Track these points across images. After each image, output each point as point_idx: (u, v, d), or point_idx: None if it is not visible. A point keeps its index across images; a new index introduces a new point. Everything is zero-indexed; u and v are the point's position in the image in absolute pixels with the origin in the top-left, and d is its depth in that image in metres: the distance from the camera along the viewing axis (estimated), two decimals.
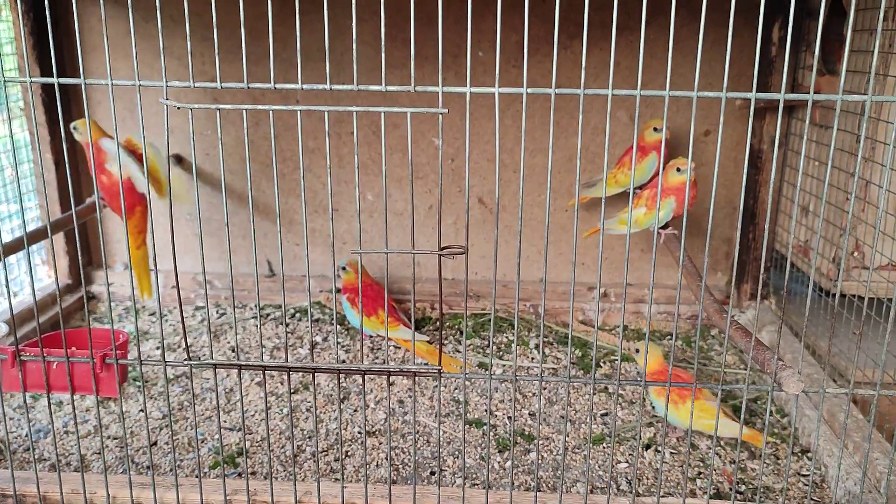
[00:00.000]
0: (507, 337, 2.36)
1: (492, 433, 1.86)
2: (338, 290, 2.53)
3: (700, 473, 1.71)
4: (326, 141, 1.07)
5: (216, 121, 2.24)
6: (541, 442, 1.83)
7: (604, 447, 1.82)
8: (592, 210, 2.48)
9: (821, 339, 2.13)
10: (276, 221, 2.56)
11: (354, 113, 1.12)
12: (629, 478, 1.70)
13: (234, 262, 2.59)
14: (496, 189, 1.10)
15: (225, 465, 1.70)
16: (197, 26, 2.37)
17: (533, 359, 2.24)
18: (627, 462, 1.76)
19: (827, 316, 2.13)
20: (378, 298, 2.27)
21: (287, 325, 2.43)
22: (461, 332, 2.41)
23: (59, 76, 2.40)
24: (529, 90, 1.07)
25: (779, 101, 1.13)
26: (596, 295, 2.52)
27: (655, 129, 2.20)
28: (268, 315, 2.51)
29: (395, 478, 1.68)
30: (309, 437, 1.83)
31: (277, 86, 1.14)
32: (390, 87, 1.09)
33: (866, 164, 1.90)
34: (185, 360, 1.19)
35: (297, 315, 2.51)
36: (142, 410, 1.94)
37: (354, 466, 1.72)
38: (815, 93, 2.12)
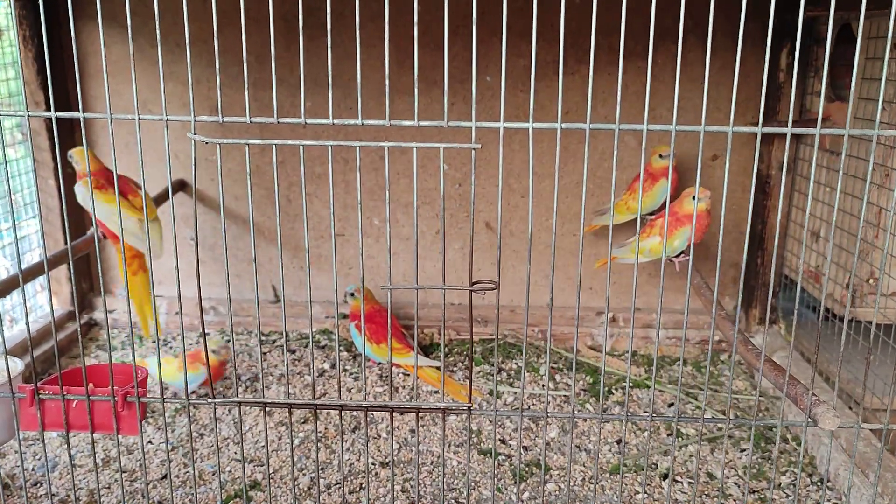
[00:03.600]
0: (516, 363, 2.34)
1: (507, 464, 1.84)
2: (344, 317, 2.51)
3: None
4: (358, 176, 1.06)
5: (218, 148, 2.21)
6: (557, 472, 1.81)
7: (620, 477, 1.80)
8: (602, 237, 2.47)
9: (832, 365, 2.13)
10: (281, 247, 2.53)
11: (386, 148, 1.10)
12: None
13: (238, 289, 2.57)
14: (529, 221, 1.08)
15: (239, 499, 1.67)
16: (203, 52, 2.35)
17: (543, 385, 2.22)
18: (645, 493, 1.74)
19: (839, 341, 2.12)
20: (386, 325, 2.25)
21: (293, 351, 2.41)
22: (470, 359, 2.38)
23: (64, 103, 2.37)
24: (564, 125, 1.06)
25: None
26: (605, 319, 2.51)
27: (661, 156, 2.20)
28: (273, 342, 2.48)
29: None
30: (322, 469, 1.80)
31: (309, 121, 1.13)
32: (423, 122, 1.08)
33: (880, 190, 1.90)
34: (209, 398, 1.17)
35: (299, 342, 2.48)
36: (150, 442, 1.91)
37: (370, 499, 1.69)
38: (824, 119, 2.14)
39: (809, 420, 1.15)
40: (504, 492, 1.74)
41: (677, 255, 2.11)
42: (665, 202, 2.24)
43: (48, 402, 1.18)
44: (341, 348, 2.42)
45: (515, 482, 1.76)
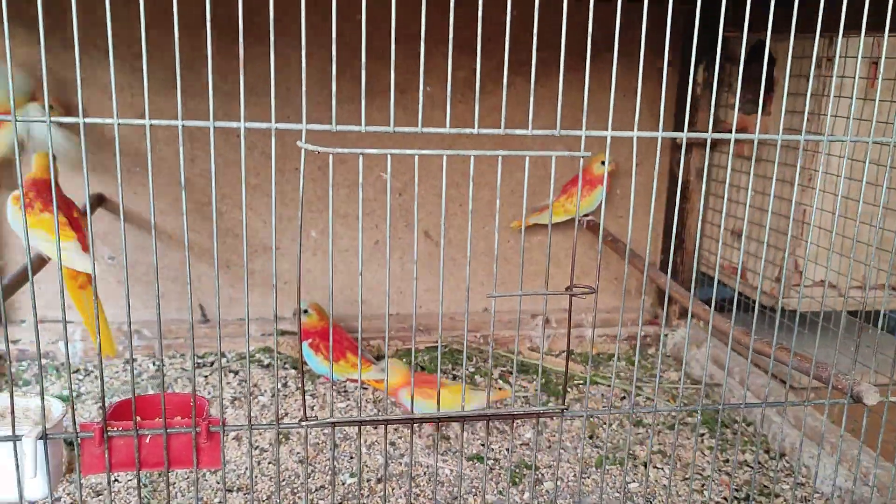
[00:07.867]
0: (467, 370, 2.38)
1: (497, 468, 1.87)
2: (289, 334, 2.42)
3: (703, 486, 1.83)
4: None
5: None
6: (544, 471, 1.87)
7: (607, 469, 1.89)
8: (533, 235, 2.56)
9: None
10: (210, 265, 2.40)
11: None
12: (642, 496, 1.78)
13: (162, 309, 2.40)
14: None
15: None
16: (127, 56, 2.19)
17: (500, 388, 2.27)
18: (635, 481, 1.84)
19: (766, 329, 2.35)
20: (342, 341, 2.20)
21: (237, 372, 2.29)
22: (421, 368, 2.39)
23: None
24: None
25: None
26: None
27: (602, 163, 2.34)
28: (212, 364, 2.34)
29: None
30: (314, 490, 1.74)
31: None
32: (536, 131, 1.10)
33: (801, 191, 2.14)
34: (303, 420, 1.11)
35: (242, 362, 2.36)
36: (117, 480, 1.75)
37: None
38: (739, 130, 2.37)
39: (851, 399, 1.29)
40: (504, 494, 1.77)
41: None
42: (600, 206, 2.39)
43: (116, 441, 1.07)
44: (286, 365, 2.34)
45: (513, 484, 1.80)
